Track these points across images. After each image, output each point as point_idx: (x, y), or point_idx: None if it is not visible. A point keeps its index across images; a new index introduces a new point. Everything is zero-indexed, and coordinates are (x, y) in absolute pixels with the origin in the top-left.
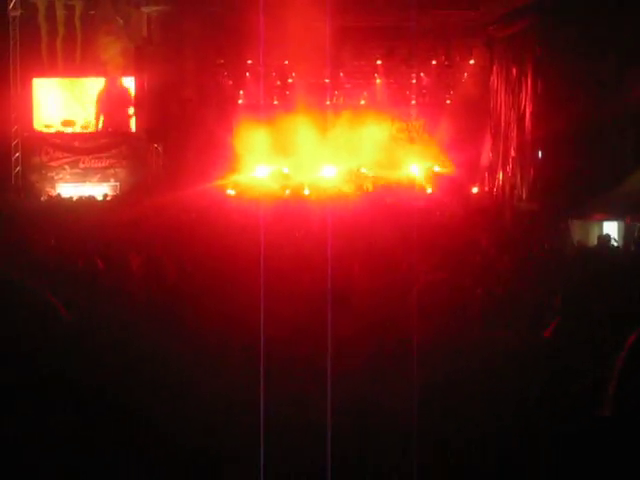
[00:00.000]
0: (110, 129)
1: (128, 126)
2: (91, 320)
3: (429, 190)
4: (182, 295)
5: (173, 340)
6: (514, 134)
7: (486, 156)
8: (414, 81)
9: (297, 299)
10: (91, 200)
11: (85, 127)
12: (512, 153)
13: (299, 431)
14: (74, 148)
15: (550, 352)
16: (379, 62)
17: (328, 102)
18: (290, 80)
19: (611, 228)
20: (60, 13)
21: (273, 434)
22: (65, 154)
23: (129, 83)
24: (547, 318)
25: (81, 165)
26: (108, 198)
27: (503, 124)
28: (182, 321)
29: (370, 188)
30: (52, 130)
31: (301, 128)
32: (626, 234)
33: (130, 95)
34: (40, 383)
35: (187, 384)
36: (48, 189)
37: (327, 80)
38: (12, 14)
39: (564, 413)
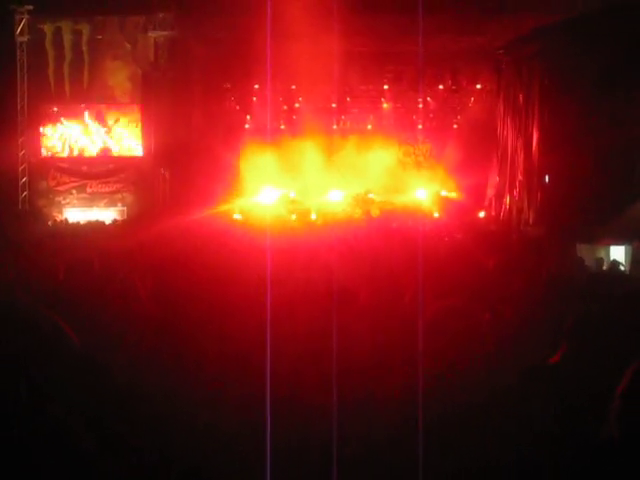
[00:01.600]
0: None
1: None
2: (99, 346)
3: (436, 214)
4: (188, 319)
5: (179, 364)
6: (521, 158)
7: (493, 180)
8: (421, 106)
9: (303, 325)
10: (100, 225)
11: (82, 151)
12: (519, 177)
13: (305, 462)
14: (81, 173)
15: (556, 378)
16: (386, 87)
17: (335, 127)
18: (297, 105)
19: (618, 253)
20: (67, 38)
21: (278, 463)
22: (72, 179)
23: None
24: (555, 343)
25: (88, 190)
26: (117, 223)
27: (510, 148)
28: (189, 345)
29: (377, 213)
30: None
31: (308, 153)
32: (633, 259)
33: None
34: (47, 405)
35: (190, 410)
36: (55, 214)
37: (334, 105)
38: (19, 39)
39: (569, 438)
